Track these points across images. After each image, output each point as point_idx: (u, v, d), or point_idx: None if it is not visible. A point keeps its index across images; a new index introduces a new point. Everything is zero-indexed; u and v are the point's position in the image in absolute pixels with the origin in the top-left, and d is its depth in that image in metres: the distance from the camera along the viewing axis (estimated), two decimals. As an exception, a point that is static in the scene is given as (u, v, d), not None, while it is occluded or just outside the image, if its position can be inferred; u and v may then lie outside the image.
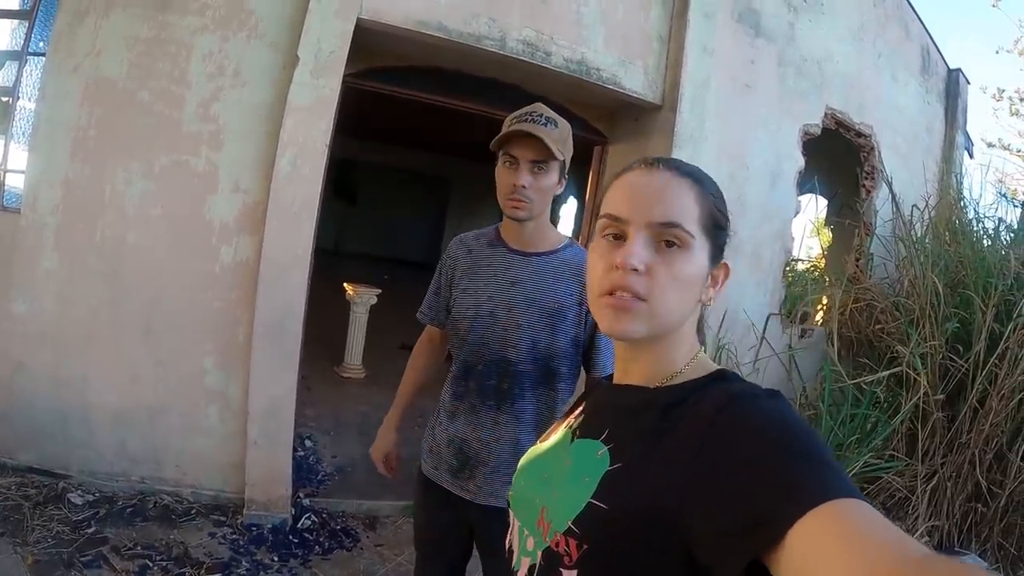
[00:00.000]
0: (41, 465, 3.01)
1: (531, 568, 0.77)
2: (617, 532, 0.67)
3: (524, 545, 0.80)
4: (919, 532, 3.40)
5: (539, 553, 0.76)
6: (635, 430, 0.73)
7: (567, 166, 1.57)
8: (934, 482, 3.60)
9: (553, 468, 0.82)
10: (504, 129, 1.51)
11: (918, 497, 3.54)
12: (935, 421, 3.70)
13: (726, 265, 0.81)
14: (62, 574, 2.40)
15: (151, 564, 2.57)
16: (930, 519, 3.53)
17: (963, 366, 3.72)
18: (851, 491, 0.54)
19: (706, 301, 0.80)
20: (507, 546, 0.86)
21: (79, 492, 2.96)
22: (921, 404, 3.69)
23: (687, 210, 0.74)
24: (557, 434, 0.88)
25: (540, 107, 1.54)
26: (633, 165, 0.81)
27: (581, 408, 0.89)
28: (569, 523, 0.71)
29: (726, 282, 0.81)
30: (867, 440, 3.63)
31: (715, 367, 0.79)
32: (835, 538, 0.49)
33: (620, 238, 0.76)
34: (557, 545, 0.72)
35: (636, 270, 0.72)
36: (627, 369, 0.82)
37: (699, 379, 0.76)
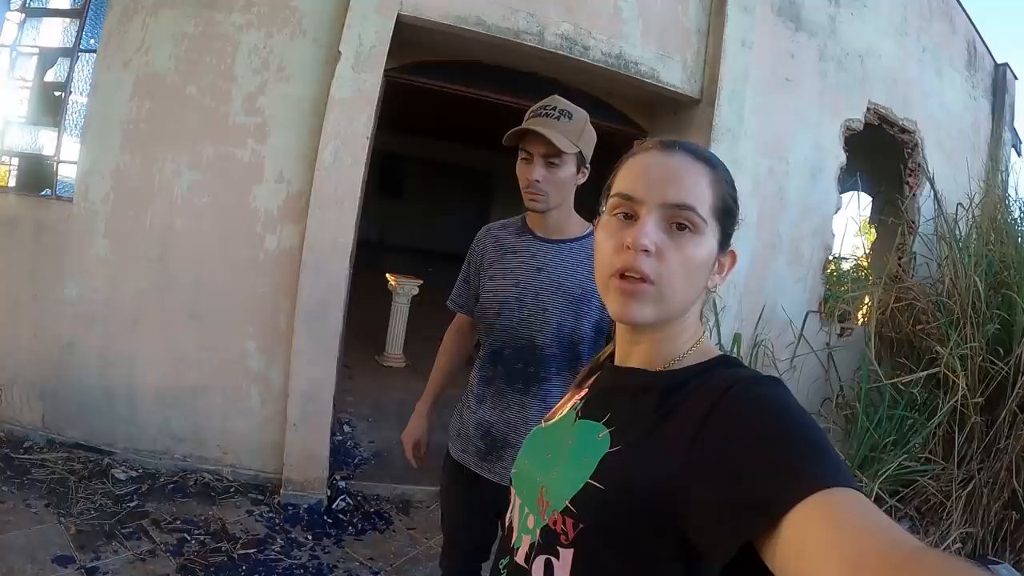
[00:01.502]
0: (87, 441, 3.16)
1: (531, 546, 0.77)
2: (613, 513, 0.68)
3: (525, 523, 0.80)
4: (952, 538, 3.34)
5: (538, 531, 0.76)
6: (636, 413, 0.74)
7: (587, 156, 1.59)
8: (970, 488, 3.52)
9: (555, 448, 0.83)
10: (522, 124, 1.54)
11: (953, 503, 3.47)
12: (973, 425, 3.61)
13: (733, 252, 0.80)
14: (103, 544, 2.51)
15: (189, 538, 2.68)
16: (964, 525, 3.45)
17: (1003, 369, 3.62)
18: (848, 481, 0.54)
19: (711, 287, 0.79)
20: (507, 522, 0.87)
21: (123, 468, 3.09)
22: (959, 407, 3.60)
23: (701, 194, 0.74)
24: (561, 413, 0.89)
25: (556, 100, 1.56)
26: (647, 145, 0.80)
27: (586, 388, 0.89)
28: (567, 503, 0.72)
29: (732, 269, 0.80)
30: (903, 442, 3.57)
31: (717, 352, 0.79)
32: (827, 526, 0.50)
33: (631, 217, 0.75)
34: (555, 524, 0.73)
35: (647, 250, 0.71)
36: (629, 352, 0.82)
37: (701, 364, 0.76)
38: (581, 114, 1.57)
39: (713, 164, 0.77)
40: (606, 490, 0.69)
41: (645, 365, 0.79)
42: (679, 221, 0.73)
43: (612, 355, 0.88)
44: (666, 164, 0.76)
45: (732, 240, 0.80)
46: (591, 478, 0.71)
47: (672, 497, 0.62)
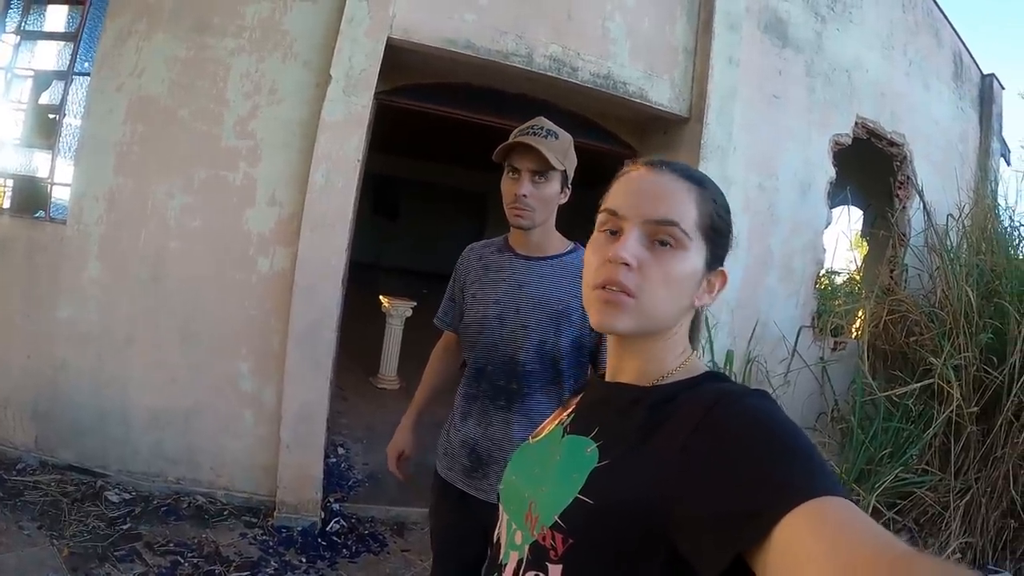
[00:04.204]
0: (80, 463, 3.14)
1: (519, 562, 0.76)
2: (602, 527, 0.68)
3: (512, 539, 0.80)
4: (952, 549, 3.33)
5: (527, 547, 0.76)
6: (624, 427, 0.74)
7: (570, 176, 1.63)
8: (968, 497, 3.52)
9: (543, 463, 0.82)
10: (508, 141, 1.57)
11: (951, 513, 3.47)
12: (969, 435, 3.62)
13: (723, 272, 0.80)
14: (95, 567, 2.50)
15: (182, 560, 2.67)
16: (964, 535, 3.45)
17: (997, 378, 3.64)
18: (837, 490, 0.54)
19: (700, 306, 0.80)
20: (495, 539, 0.87)
21: (116, 490, 3.07)
22: (954, 417, 3.61)
23: (685, 211, 0.75)
24: (549, 429, 0.89)
25: (542, 120, 1.60)
26: (638, 164, 0.82)
27: (574, 404, 0.89)
28: (556, 517, 0.71)
29: (722, 290, 0.81)
30: (899, 454, 3.56)
31: (705, 368, 0.80)
32: (818, 534, 0.50)
33: (617, 233, 0.77)
34: (544, 539, 0.72)
35: (628, 264, 0.73)
36: (618, 368, 0.82)
37: (689, 379, 0.76)
38: (566, 136, 1.60)
39: (701, 184, 0.78)
40: (595, 504, 0.69)
41: (634, 381, 0.79)
42: (662, 237, 0.74)
43: (602, 373, 0.89)
44: (652, 182, 0.77)
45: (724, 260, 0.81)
46: (580, 493, 0.71)
47: (661, 510, 0.62)
